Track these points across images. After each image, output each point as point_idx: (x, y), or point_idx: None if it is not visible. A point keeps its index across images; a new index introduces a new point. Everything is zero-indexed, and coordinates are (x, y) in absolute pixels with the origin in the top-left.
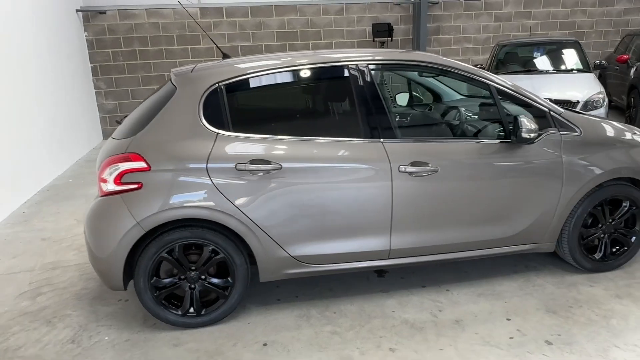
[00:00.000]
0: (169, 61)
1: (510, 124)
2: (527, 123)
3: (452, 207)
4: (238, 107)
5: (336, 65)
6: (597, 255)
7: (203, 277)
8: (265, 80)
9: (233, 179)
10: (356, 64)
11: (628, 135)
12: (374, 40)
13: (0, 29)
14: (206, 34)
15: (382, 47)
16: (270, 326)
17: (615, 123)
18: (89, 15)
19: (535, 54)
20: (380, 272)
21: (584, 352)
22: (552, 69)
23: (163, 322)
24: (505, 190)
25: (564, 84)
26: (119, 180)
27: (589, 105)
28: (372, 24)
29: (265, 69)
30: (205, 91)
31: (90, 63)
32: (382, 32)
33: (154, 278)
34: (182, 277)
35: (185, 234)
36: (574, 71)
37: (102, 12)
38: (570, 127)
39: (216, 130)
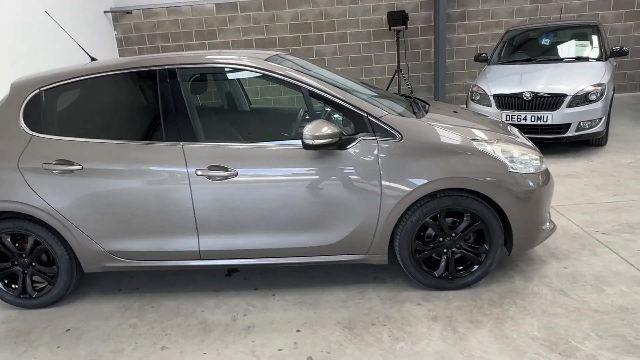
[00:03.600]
0: None
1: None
2: (313, 127)
3: (257, 212)
4: (54, 111)
5: (142, 70)
6: (438, 272)
7: (33, 264)
8: (80, 86)
9: (42, 177)
10: (159, 69)
11: (466, 143)
12: (390, 29)
13: (36, 31)
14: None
15: (398, 36)
16: (89, 314)
17: (473, 128)
18: (117, 16)
19: (544, 41)
20: (231, 270)
21: None
22: (556, 57)
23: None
24: (315, 198)
25: (556, 75)
26: None
27: (578, 99)
28: (388, 12)
29: (81, 75)
30: (27, 96)
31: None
32: (397, 20)
33: None
34: (15, 263)
35: (8, 224)
36: (580, 59)
37: (129, 12)
38: (388, 132)
39: (31, 133)
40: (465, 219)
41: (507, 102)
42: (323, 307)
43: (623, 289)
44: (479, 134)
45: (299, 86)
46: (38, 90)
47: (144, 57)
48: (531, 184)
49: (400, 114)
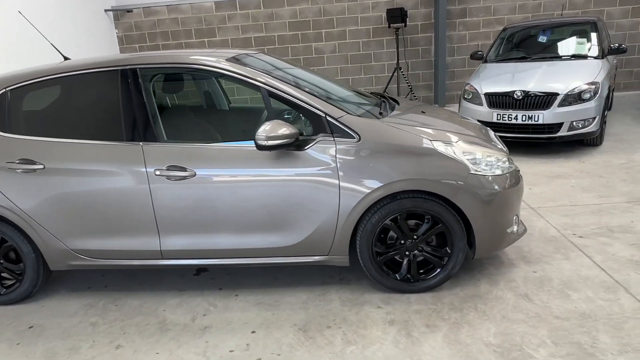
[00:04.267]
0: None
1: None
2: (266, 128)
3: (216, 213)
4: (20, 110)
5: (104, 70)
6: (400, 275)
7: (1, 261)
8: (46, 86)
9: (6, 175)
10: (121, 69)
11: (425, 144)
12: (389, 27)
13: (39, 29)
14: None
15: (397, 34)
16: (55, 311)
17: (434, 131)
18: (118, 14)
19: (540, 38)
20: (200, 270)
21: None
22: (552, 55)
23: None
24: (274, 199)
25: (549, 73)
26: None
27: (571, 97)
28: (387, 9)
29: (47, 75)
30: None
31: None
32: (396, 18)
33: None
34: None
35: None
36: (576, 57)
37: (129, 11)
38: (346, 132)
39: None
40: (426, 221)
41: (498, 100)
42: (282, 308)
43: (589, 294)
44: (441, 135)
45: (258, 86)
46: (4, 89)
47: (107, 57)
48: (496, 186)
49: (362, 115)
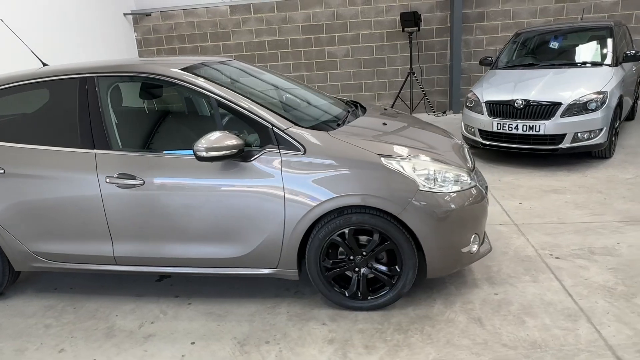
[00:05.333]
0: None
1: None
2: (207, 139)
3: (166, 221)
4: None
5: (62, 78)
6: (349, 292)
7: None
8: (10, 92)
9: None
10: (79, 77)
11: (371, 158)
12: (403, 31)
13: (61, 32)
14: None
15: (410, 38)
16: (16, 311)
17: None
18: (137, 18)
19: (551, 44)
20: (163, 276)
21: None
22: (562, 62)
23: None
24: (221, 209)
25: (555, 82)
26: None
27: (575, 107)
28: (401, 13)
29: (9, 83)
30: None
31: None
32: (409, 22)
33: None
34: None
35: None
36: (586, 65)
37: (148, 15)
38: (292, 144)
39: None
40: (374, 237)
41: (498, 109)
42: (229, 319)
43: (546, 322)
44: (391, 149)
45: (208, 96)
46: None
47: (68, 65)
48: (451, 204)
49: (315, 126)
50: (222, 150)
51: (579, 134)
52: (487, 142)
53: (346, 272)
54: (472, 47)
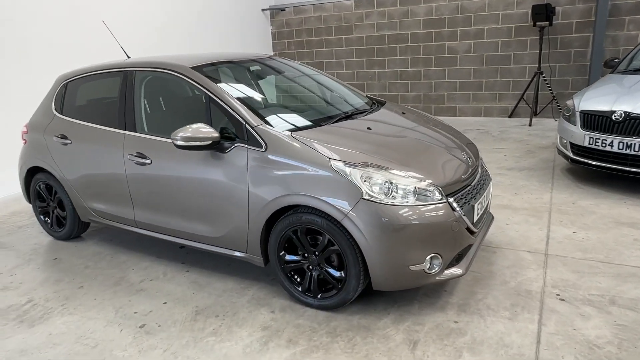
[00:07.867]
0: (327, 49)
1: None
2: (184, 129)
3: (167, 197)
4: (73, 98)
5: (112, 71)
6: (302, 287)
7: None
8: (91, 79)
9: (56, 146)
10: (127, 71)
11: (321, 162)
12: (534, 25)
13: (204, 25)
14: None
15: (541, 33)
16: (75, 251)
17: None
18: (273, 12)
19: None
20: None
21: None
22: None
23: None
24: (202, 193)
25: None
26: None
27: None
28: (532, 6)
29: (93, 71)
30: (59, 86)
31: (273, 52)
32: (540, 15)
33: None
34: None
35: None
36: None
37: (283, 10)
38: (257, 141)
39: (55, 113)
40: (323, 239)
41: (593, 121)
42: (205, 290)
43: None
44: (349, 154)
45: (202, 91)
46: (65, 82)
47: (118, 61)
48: (399, 218)
49: (297, 127)
50: (196, 141)
51: None
52: (576, 158)
53: (304, 268)
54: (621, 45)
